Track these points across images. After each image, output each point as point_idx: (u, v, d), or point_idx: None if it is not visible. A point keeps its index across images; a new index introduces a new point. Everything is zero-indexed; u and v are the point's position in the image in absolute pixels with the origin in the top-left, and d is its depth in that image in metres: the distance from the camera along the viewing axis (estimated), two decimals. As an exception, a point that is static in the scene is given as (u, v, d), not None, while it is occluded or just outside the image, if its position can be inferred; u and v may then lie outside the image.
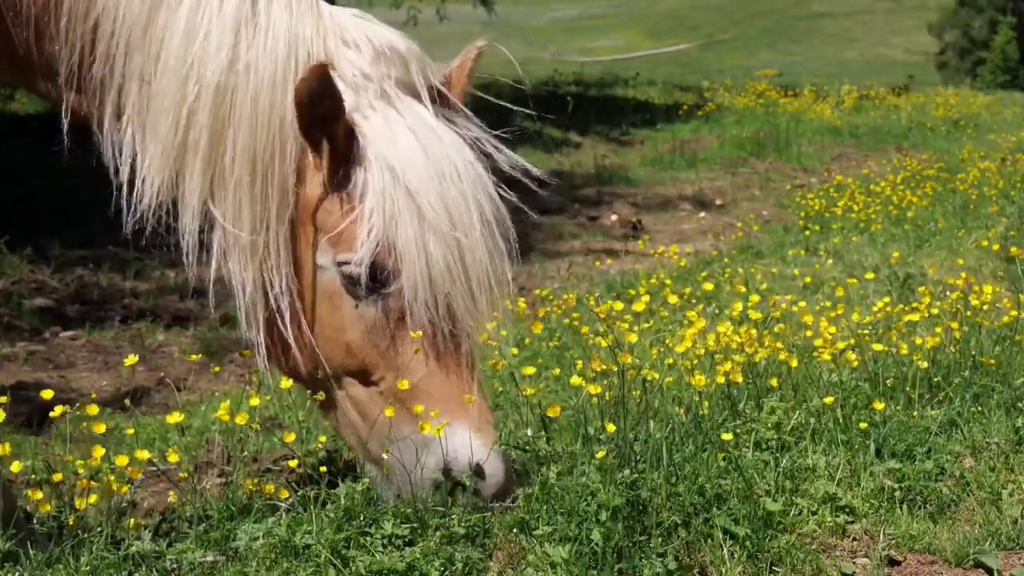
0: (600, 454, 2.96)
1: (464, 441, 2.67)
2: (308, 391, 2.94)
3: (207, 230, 2.69)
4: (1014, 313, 4.53)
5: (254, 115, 2.61)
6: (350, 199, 2.66)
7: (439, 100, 2.83)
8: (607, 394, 3.27)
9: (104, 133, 2.72)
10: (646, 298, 4.45)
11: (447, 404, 2.70)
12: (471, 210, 2.72)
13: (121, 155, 2.69)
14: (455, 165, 2.72)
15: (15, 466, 2.80)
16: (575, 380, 3.36)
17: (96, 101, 2.71)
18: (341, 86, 2.61)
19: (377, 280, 2.67)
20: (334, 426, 2.93)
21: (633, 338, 3.65)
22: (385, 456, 2.73)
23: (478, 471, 2.69)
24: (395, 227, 2.63)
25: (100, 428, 2.83)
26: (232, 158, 2.62)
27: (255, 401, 3.19)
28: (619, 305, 4.06)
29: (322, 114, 2.58)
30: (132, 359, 3.13)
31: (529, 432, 3.34)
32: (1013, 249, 6.74)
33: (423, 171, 2.66)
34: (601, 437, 3.21)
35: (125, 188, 2.68)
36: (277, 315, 2.69)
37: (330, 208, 2.69)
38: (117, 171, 2.70)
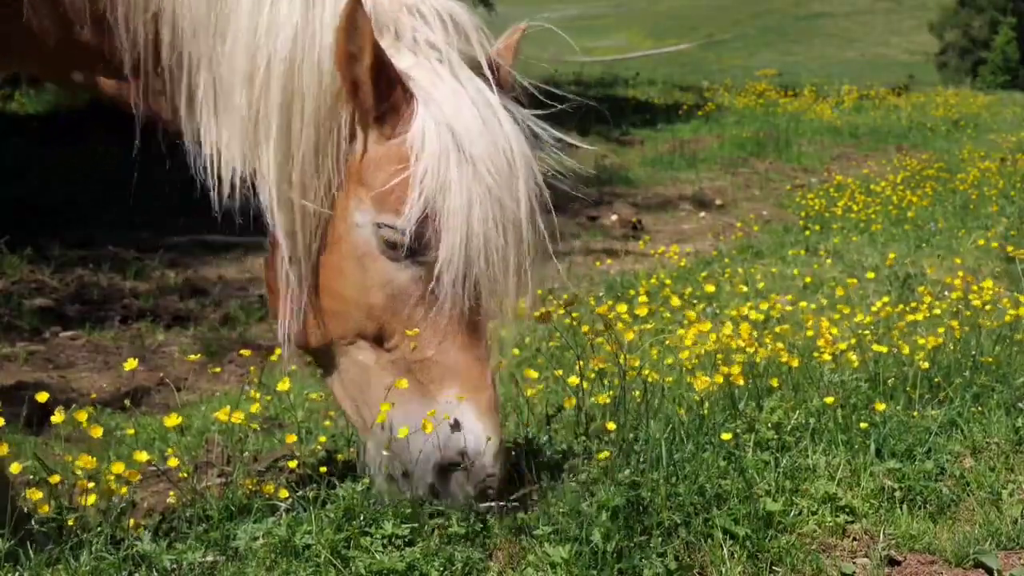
0: (600, 455, 2.95)
1: (469, 423, 2.62)
2: (312, 358, 2.90)
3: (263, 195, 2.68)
4: (1018, 310, 4.53)
5: (319, 84, 2.60)
6: (403, 159, 2.62)
7: (495, 75, 2.80)
8: (608, 392, 3.27)
9: (180, 122, 2.70)
10: (644, 298, 4.44)
11: (458, 380, 2.66)
12: (521, 192, 2.68)
13: (200, 141, 2.68)
14: (511, 145, 2.69)
15: (14, 467, 2.79)
16: (573, 380, 3.35)
17: (168, 89, 2.70)
18: (402, 48, 2.64)
19: (415, 245, 2.62)
20: (333, 393, 2.87)
21: (631, 336, 3.65)
22: (380, 426, 2.67)
23: (476, 456, 2.62)
24: (444, 196, 2.60)
25: (97, 432, 2.82)
26: (300, 128, 2.62)
27: (255, 408, 3.19)
28: (622, 307, 4.06)
29: (355, 50, 2.54)
30: (132, 363, 3.12)
31: (530, 431, 3.33)
32: (1010, 248, 6.75)
33: (482, 146, 2.63)
34: (603, 437, 3.21)
35: (209, 174, 2.67)
36: (304, 274, 2.68)
37: (380, 166, 2.65)
38: (194, 159, 2.70)
